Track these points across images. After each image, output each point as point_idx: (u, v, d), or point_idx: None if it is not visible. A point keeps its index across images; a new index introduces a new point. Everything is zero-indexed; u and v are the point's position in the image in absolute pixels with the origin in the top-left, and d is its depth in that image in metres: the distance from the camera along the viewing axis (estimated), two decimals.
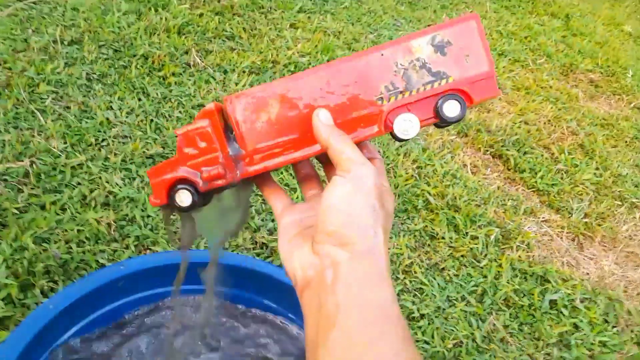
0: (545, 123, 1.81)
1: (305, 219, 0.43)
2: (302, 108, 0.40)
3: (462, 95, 0.40)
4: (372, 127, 0.41)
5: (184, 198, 0.40)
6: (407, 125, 0.40)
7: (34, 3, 1.41)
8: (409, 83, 0.40)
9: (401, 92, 0.40)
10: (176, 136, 0.43)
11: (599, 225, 1.38)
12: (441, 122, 0.41)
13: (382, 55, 0.40)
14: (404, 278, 1.05)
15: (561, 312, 1.08)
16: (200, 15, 1.61)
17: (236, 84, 1.39)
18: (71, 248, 0.88)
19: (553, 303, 1.10)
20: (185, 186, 0.40)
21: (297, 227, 0.42)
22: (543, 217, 1.36)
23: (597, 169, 1.62)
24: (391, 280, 0.36)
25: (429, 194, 1.27)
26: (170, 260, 0.73)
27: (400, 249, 1.10)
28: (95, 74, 1.26)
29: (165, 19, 1.51)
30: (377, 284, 0.35)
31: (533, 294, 1.09)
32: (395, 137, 0.41)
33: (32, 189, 0.96)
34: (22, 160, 1.00)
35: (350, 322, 0.33)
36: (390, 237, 1.12)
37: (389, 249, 0.38)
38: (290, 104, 0.40)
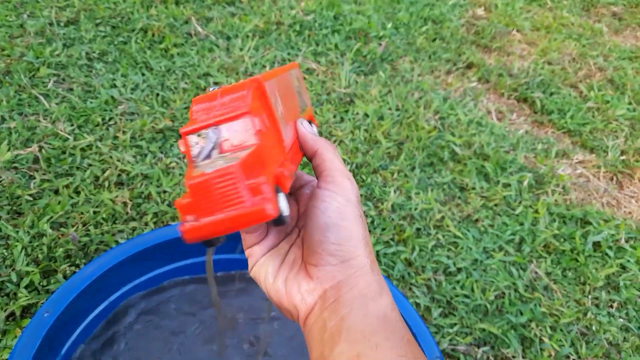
0: (569, 61, 1.71)
1: (282, 244, 0.40)
2: (285, 106, 0.37)
3: (313, 121, 0.45)
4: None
5: (285, 204, 0.30)
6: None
7: None
8: (302, 104, 0.43)
9: (302, 110, 0.43)
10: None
11: (638, 161, 1.30)
12: None
13: (288, 75, 0.41)
14: (436, 233, 1.00)
15: (606, 254, 1.02)
16: None
17: (241, 49, 1.33)
18: (89, 230, 0.85)
19: (596, 245, 1.04)
20: (279, 189, 0.31)
21: (276, 257, 0.39)
22: (577, 159, 1.29)
23: (629, 103, 1.53)
24: (387, 287, 0.36)
25: (455, 144, 1.21)
26: None
27: (430, 203, 1.05)
28: (95, 52, 1.21)
29: None
30: (378, 292, 0.34)
31: (574, 238, 1.03)
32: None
33: (43, 174, 0.92)
34: (30, 147, 0.96)
35: (355, 334, 0.32)
36: (417, 193, 1.07)
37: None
38: (281, 98, 0.37)
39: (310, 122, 0.42)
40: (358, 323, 0.33)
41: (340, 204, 0.35)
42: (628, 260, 1.01)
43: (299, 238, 0.40)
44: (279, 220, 0.30)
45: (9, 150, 0.94)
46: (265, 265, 0.38)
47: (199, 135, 0.31)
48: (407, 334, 0.34)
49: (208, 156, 0.31)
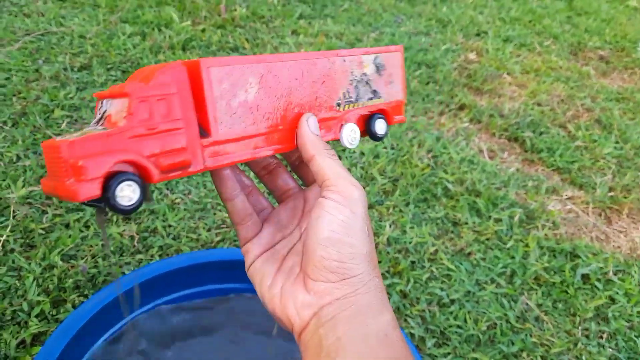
0: (558, 103, 1.78)
1: (279, 246, 0.38)
2: (278, 96, 0.35)
3: (385, 115, 0.43)
4: (329, 132, 0.39)
5: (128, 193, 0.29)
6: (353, 135, 0.40)
7: (42, 35, 1.45)
8: (358, 95, 0.41)
9: (353, 102, 0.40)
10: (112, 97, 0.31)
11: (625, 197, 1.35)
12: (370, 137, 0.42)
13: (344, 61, 0.39)
14: (430, 266, 1.04)
15: (595, 286, 1.05)
16: (203, 30, 1.63)
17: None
18: (97, 262, 0.90)
19: (586, 277, 1.08)
20: (132, 176, 0.29)
21: (274, 261, 0.37)
22: (566, 195, 1.34)
23: (617, 142, 1.59)
24: (389, 304, 0.34)
25: (448, 181, 1.26)
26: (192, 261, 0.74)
27: (424, 237, 1.09)
28: None
29: (169, 37, 1.53)
30: (379, 310, 0.33)
31: (564, 270, 1.07)
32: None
33: (55, 209, 0.97)
34: None
35: (353, 355, 0.31)
36: (412, 227, 1.11)
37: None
38: (268, 87, 0.35)
39: (376, 117, 0.41)
40: (357, 343, 0.31)
41: (346, 217, 0.32)
42: (617, 292, 1.04)
43: (299, 242, 0.38)
44: (113, 208, 0.28)
45: (23, 186, 0.99)
46: (262, 268, 0.37)
47: (101, 103, 0.32)
48: (409, 355, 0.32)
49: (96, 123, 0.32)
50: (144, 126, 0.30)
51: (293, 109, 0.36)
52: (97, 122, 0.32)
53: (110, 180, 0.28)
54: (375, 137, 0.42)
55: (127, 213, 0.29)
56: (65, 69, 1.34)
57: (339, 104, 0.39)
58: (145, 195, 0.29)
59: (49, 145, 0.29)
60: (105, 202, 0.29)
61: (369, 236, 0.34)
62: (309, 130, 0.35)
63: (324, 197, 0.33)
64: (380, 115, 0.42)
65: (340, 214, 0.32)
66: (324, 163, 0.34)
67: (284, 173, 0.42)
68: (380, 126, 0.42)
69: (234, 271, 0.73)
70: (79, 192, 0.27)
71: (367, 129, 0.42)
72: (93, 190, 0.28)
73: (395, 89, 0.44)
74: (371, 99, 0.42)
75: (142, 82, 0.30)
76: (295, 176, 0.44)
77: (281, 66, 0.35)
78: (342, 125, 0.40)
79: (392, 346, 0.32)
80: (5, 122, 1.14)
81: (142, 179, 0.30)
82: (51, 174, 0.30)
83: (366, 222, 0.34)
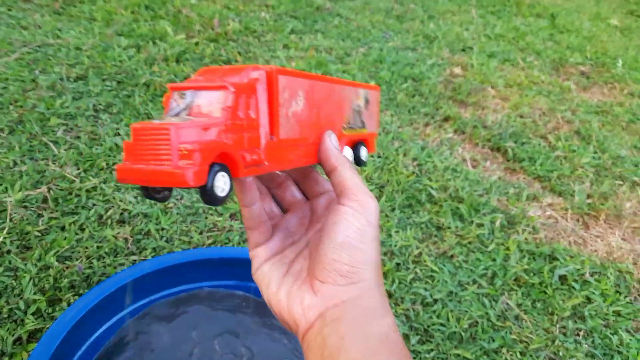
0: (540, 115, 1.85)
1: (288, 251, 0.40)
2: (314, 112, 0.38)
3: (366, 144, 0.48)
4: None
5: (221, 184, 0.30)
6: (350, 158, 0.45)
7: (39, 46, 1.49)
8: (355, 122, 0.45)
9: (352, 128, 0.45)
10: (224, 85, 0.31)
11: (602, 204, 1.41)
12: (355, 161, 0.46)
13: (349, 90, 0.44)
14: (414, 267, 1.08)
15: (572, 287, 1.10)
16: (196, 43, 1.68)
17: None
18: (92, 263, 0.93)
19: (563, 278, 1.12)
20: (226, 168, 0.30)
21: (281, 265, 0.39)
22: (546, 202, 1.39)
23: (595, 152, 1.65)
24: (390, 309, 0.35)
25: (432, 188, 1.31)
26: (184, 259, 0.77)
27: (408, 241, 1.13)
28: (101, 104, 1.32)
29: (164, 49, 1.58)
30: (381, 314, 0.34)
31: (543, 272, 1.12)
32: None
33: (51, 212, 1.00)
34: (40, 188, 1.05)
35: (356, 354, 0.32)
36: (397, 231, 1.16)
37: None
38: (309, 103, 0.37)
39: (360, 145, 0.46)
40: (359, 343, 0.32)
41: (362, 225, 0.34)
42: (593, 292, 1.09)
43: (306, 248, 0.40)
44: (209, 198, 0.29)
45: (20, 190, 1.02)
46: (270, 273, 0.38)
47: (180, 95, 0.32)
48: (407, 356, 0.34)
49: (177, 114, 0.31)
50: (240, 120, 0.31)
51: (321, 126, 0.39)
52: (178, 113, 0.31)
53: (211, 169, 0.29)
54: (359, 162, 0.46)
55: (219, 203, 0.29)
56: (61, 79, 1.38)
57: (344, 127, 0.43)
58: (231, 188, 0.31)
59: (144, 127, 0.28)
60: (203, 190, 0.29)
61: (379, 245, 0.35)
62: (332, 145, 0.38)
63: (343, 204, 0.35)
64: (363, 144, 0.46)
65: (356, 221, 0.34)
66: (346, 174, 0.36)
67: (292, 186, 0.44)
68: (363, 153, 0.46)
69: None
70: (189, 178, 0.27)
71: (354, 154, 0.46)
72: (201, 177, 0.28)
73: (374, 123, 0.49)
74: (360, 127, 0.46)
75: (235, 77, 0.31)
76: None
77: (318, 85, 0.38)
78: (342, 148, 0.45)
79: (393, 347, 0.33)
80: (2, 130, 1.17)
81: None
82: (139, 158, 0.29)
83: (378, 232, 0.35)
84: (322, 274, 0.34)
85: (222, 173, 0.29)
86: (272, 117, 0.33)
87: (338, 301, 0.34)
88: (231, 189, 0.30)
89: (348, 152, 0.45)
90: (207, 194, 0.29)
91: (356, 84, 0.45)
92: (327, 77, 0.40)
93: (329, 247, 0.34)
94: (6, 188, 1.02)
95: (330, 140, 0.38)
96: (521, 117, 1.80)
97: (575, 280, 1.11)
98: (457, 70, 2.08)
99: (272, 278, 0.38)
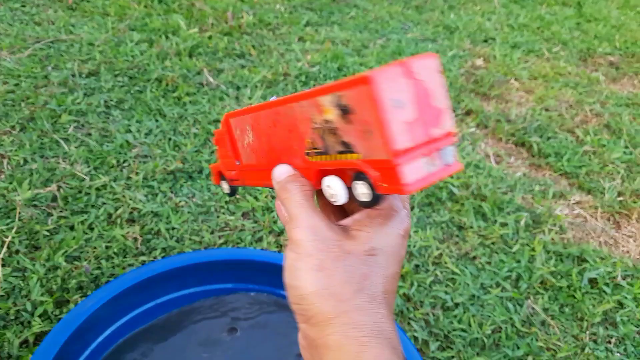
0: (566, 108, 1.77)
1: None
2: (263, 139, 0.39)
3: (370, 178, 0.30)
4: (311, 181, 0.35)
5: (225, 186, 0.48)
6: (329, 191, 0.33)
7: (52, 42, 1.48)
8: (326, 145, 0.32)
9: (321, 153, 0.33)
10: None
11: (634, 202, 1.33)
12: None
13: (300, 106, 0.33)
14: (434, 269, 1.03)
15: (603, 291, 1.04)
16: (210, 37, 1.65)
17: (249, 98, 1.41)
18: (101, 263, 0.90)
19: (593, 282, 1.06)
20: (225, 178, 0.48)
21: None
22: (574, 199, 1.32)
23: (626, 147, 1.57)
24: (379, 333, 0.30)
25: (453, 185, 1.25)
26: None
27: (428, 241, 1.08)
28: (112, 101, 1.30)
29: (176, 43, 1.55)
30: (355, 346, 0.30)
31: (571, 275, 1.06)
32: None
33: (60, 211, 0.98)
34: (50, 186, 1.03)
35: None
36: (416, 231, 1.11)
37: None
38: (258, 133, 0.40)
39: (358, 178, 0.31)
40: None
41: (290, 260, 0.32)
42: (625, 297, 1.02)
43: None
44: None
45: (29, 189, 1.00)
46: None
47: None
48: None
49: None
50: (225, 151, 0.47)
51: (277, 153, 0.38)
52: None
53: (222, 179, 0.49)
54: (360, 203, 0.32)
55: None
56: (73, 75, 1.36)
57: (308, 154, 0.34)
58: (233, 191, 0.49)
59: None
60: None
61: (326, 273, 0.31)
62: (275, 181, 0.37)
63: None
64: (361, 176, 0.31)
65: (287, 259, 0.33)
66: (285, 206, 0.35)
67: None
68: (361, 191, 0.31)
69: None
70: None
71: (350, 192, 0.33)
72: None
73: (376, 142, 0.28)
74: (342, 152, 0.31)
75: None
76: None
77: (261, 115, 0.38)
78: (316, 176, 0.35)
79: None
80: (13, 127, 1.16)
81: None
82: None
83: (318, 257, 0.31)
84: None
85: (224, 181, 0.48)
86: (234, 148, 0.44)
87: (310, 340, 0.32)
88: (233, 191, 0.48)
89: (324, 185, 0.34)
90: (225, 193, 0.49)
91: (311, 92, 0.31)
92: (272, 102, 0.36)
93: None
94: (15, 187, 1.00)
95: (274, 176, 0.37)
96: (547, 110, 1.72)
97: (606, 284, 1.05)
98: (479, 62, 2.01)
99: None
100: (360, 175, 0.30)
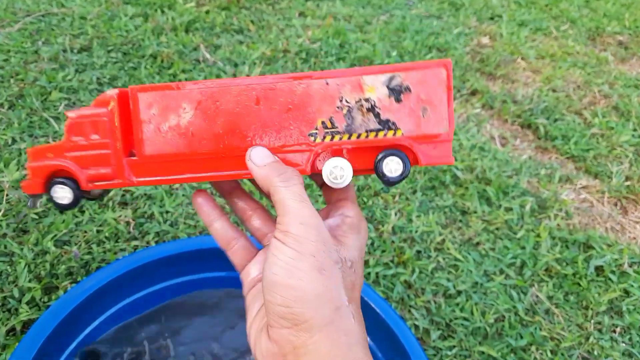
0: (574, 89, 1.72)
1: None
2: (222, 123, 0.34)
3: (407, 153, 0.34)
4: (300, 165, 0.34)
5: (62, 194, 0.36)
6: (338, 172, 0.34)
7: (42, 16, 1.42)
8: (351, 125, 0.34)
9: (339, 133, 0.34)
10: (66, 118, 0.36)
11: None
12: (380, 180, 0.35)
13: (326, 84, 0.34)
14: (437, 255, 1.00)
15: (609, 278, 1.01)
16: (207, 12, 1.59)
17: (247, 75, 1.37)
18: (91, 248, 0.87)
19: (599, 269, 1.03)
20: (65, 180, 0.35)
21: (259, 299, 0.35)
22: (580, 184, 1.29)
23: (634, 130, 1.53)
24: (364, 342, 0.31)
25: (457, 168, 1.21)
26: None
27: (430, 226, 1.05)
28: (105, 77, 1.25)
29: (172, 18, 1.49)
30: (345, 353, 0.30)
31: (577, 262, 1.03)
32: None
33: None
34: None
35: None
36: (419, 216, 1.07)
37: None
38: (207, 114, 0.34)
39: (391, 154, 0.34)
40: None
41: (288, 258, 0.30)
42: (631, 285, 1.00)
43: None
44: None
45: (17, 169, 0.97)
46: (248, 303, 0.35)
47: None
48: None
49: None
50: (77, 143, 0.37)
51: (244, 137, 0.34)
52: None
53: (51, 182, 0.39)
54: (385, 181, 0.34)
55: (68, 208, 0.38)
56: (64, 51, 1.31)
57: (314, 134, 0.34)
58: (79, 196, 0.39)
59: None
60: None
61: (324, 276, 0.30)
62: (255, 166, 0.33)
63: (274, 235, 0.31)
64: (394, 152, 0.33)
65: (282, 255, 0.30)
66: (277, 197, 0.31)
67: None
68: (392, 166, 0.34)
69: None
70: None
71: (375, 169, 0.34)
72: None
73: (432, 119, 0.33)
74: (378, 130, 0.33)
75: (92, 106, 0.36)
76: None
77: (225, 91, 0.34)
78: (316, 158, 0.34)
79: None
80: (1, 105, 1.11)
81: None
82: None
83: (320, 260, 0.30)
84: (269, 318, 0.31)
85: (58, 186, 0.36)
86: (129, 134, 0.35)
87: (291, 347, 0.30)
88: (76, 198, 0.36)
89: (328, 167, 0.34)
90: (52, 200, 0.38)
91: (354, 71, 0.33)
92: (269, 76, 0.34)
93: (263, 287, 0.31)
94: (3, 167, 0.96)
95: (251, 160, 0.33)
96: (554, 91, 1.67)
97: (613, 272, 1.02)
98: (485, 40, 1.95)
99: (248, 309, 0.35)
100: (393, 152, 0.33)
